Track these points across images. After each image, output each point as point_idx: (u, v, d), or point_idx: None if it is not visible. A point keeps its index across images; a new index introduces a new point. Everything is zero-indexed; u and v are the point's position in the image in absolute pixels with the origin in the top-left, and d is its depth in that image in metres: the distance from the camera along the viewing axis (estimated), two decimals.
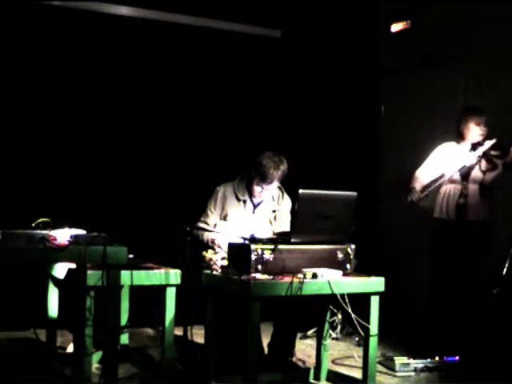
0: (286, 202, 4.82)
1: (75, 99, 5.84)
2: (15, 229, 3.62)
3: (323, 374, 4.58)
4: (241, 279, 3.91)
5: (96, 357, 4.31)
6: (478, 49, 5.88)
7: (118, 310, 3.87)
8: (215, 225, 4.73)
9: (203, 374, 4.24)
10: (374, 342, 4.21)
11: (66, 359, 4.57)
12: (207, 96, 6.30)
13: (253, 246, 3.98)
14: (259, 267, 3.97)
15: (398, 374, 4.76)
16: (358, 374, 4.49)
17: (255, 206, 4.78)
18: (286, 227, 4.59)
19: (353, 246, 4.28)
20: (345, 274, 4.17)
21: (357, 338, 5.55)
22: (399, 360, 4.81)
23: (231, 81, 6.40)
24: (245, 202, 4.75)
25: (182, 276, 4.26)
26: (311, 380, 4.57)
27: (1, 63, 5.53)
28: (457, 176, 5.21)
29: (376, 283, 4.20)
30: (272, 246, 4.03)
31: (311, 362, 4.84)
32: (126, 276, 4.02)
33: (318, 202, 4.14)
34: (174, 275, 4.24)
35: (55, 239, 3.57)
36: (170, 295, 4.23)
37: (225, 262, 4.27)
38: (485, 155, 5.14)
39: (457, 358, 4.91)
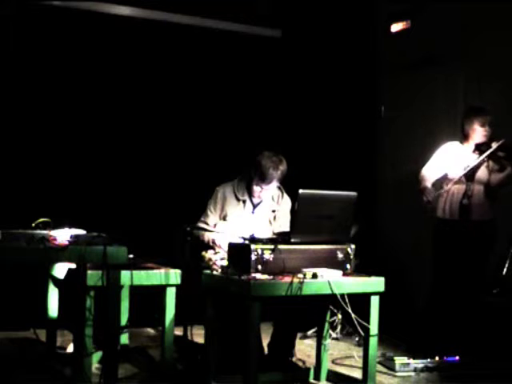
0: (286, 202, 4.82)
1: (75, 99, 5.85)
2: (15, 229, 3.62)
3: (323, 374, 4.58)
4: (241, 279, 3.91)
5: (96, 357, 4.31)
6: (478, 49, 5.88)
7: (118, 310, 3.88)
8: (215, 225, 4.73)
9: (203, 374, 4.24)
10: (373, 342, 4.21)
11: (66, 359, 4.57)
12: (207, 96, 6.30)
13: (253, 246, 3.98)
14: (259, 267, 3.97)
15: (398, 373, 4.76)
16: (358, 374, 4.49)
17: (255, 206, 4.78)
18: (286, 227, 4.59)
19: (353, 246, 4.28)
20: (345, 274, 4.17)
21: (357, 338, 5.55)
22: (399, 360, 4.81)
23: (231, 81, 6.40)
24: (244, 202, 4.75)
25: (182, 276, 4.26)
26: (311, 380, 4.57)
27: (0, 63, 5.53)
28: (462, 176, 5.19)
29: (376, 283, 4.20)
30: (272, 246, 4.03)
31: (311, 362, 4.84)
32: (126, 276, 4.02)
33: (318, 202, 4.14)
34: (174, 275, 4.24)
35: (55, 239, 3.58)
36: (170, 295, 4.23)
37: (224, 262, 4.27)
38: (492, 156, 5.12)
39: (457, 358, 4.91)
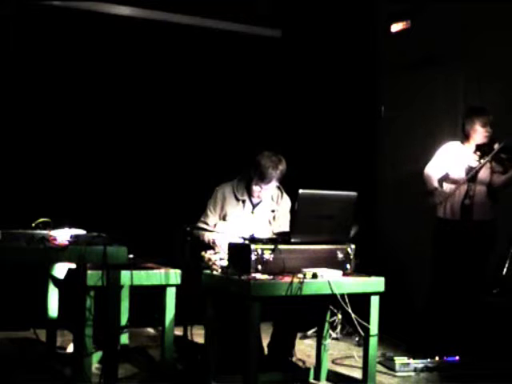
0: (286, 202, 4.82)
1: (75, 99, 5.85)
2: (15, 229, 3.62)
3: (323, 374, 4.58)
4: (241, 279, 3.91)
5: (96, 357, 4.31)
6: (478, 49, 5.88)
7: (118, 310, 3.88)
8: (215, 225, 4.73)
9: (203, 374, 4.24)
10: (373, 341, 4.21)
11: (66, 359, 4.57)
12: (207, 96, 6.30)
13: (253, 246, 3.98)
14: (259, 267, 3.97)
15: (398, 373, 4.76)
16: (358, 374, 4.49)
17: (254, 206, 4.78)
18: (286, 227, 4.60)
19: (353, 246, 4.28)
20: (345, 274, 4.17)
21: (357, 338, 5.55)
22: (399, 360, 4.81)
23: (231, 81, 6.40)
24: (244, 201, 4.75)
25: (182, 276, 4.26)
26: (311, 380, 4.57)
27: (0, 63, 5.53)
28: (463, 176, 5.19)
29: (376, 283, 4.20)
30: (272, 246, 4.03)
31: (311, 362, 4.84)
32: (126, 276, 4.02)
33: (318, 202, 4.14)
34: (174, 275, 4.24)
35: (55, 239, 3.58)
36: (170, 295, 4.23)
37: (223, 262, 4.27)
38: (494, 158, 5.11)
39: (457, 358, 4.91)
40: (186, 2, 6.18)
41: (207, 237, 4.68)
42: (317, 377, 4.57)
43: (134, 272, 4.12)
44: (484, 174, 5.17)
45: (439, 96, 6.28)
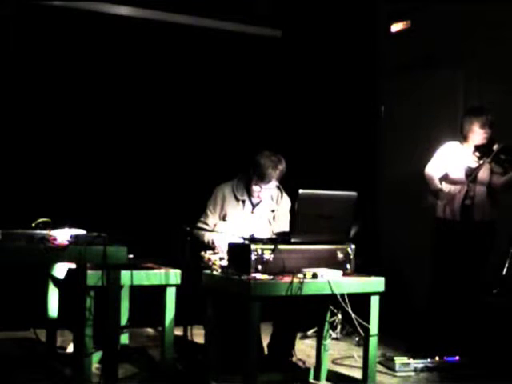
0: (285, 202, 4.82)
1: (75, 99, 5.84)
2: (15, 229, 3.62)
3: (323, 374, 4.58)
4: (241, 279, 3.91)
5: (96, 357, 4.31)
6: (478, 49, 5.88)
7: (118, 310, 3.87)
8: (215, 225, 4.73)
9: (203, 374, 4.24)
10: (373, 341, 4.21)
11: (66, 359, 4.57)
12: (207, 96, 6.30)
13: (253, 246, 3.98)
14: (259, 267, 3.97)
15: (398, 373, 4.76)
16: (358, 374, 4.49)
17: (254, 206, 4.78)
18: (285, 227, 4.60)
19: (353, 246, 4.28)
20: (345, 274, 4.16)
21: (357, 338, 5.54)
22: (399, 360, 4.81)
23: (231, 81, 6.39)
24: (244, 201, 4.75)
25: (182, 276, 4.26)
26: (311, 380, 4.57)
27: (0, 63, 5.53)
28: (462, 177, 5.19)
29: (376, 283, 4.20)
30: (272, 246, 4.03)
31: (311, 362, 4.84)
32: (126, 276, 4.02)
33: (318, 202, 4.14)
34: (174, 275, 4.24)
35: (55, 239, 3.58)
36: (170, 295, 4.23)
37: (223, 262, 4.27)
38: (494, 159, 5.10)
39: (457, 358, 4.91)
40: (186, 2, 6.17)
41: (207, 238, 4.67)
42: (317, 377, 4.57)
43: (134, 272, 4.12)
44: (484, 174, 5.16)
45: (439, 96, 6.28)
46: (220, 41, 6.33)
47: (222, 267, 4.23)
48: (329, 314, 4.59)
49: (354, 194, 4.25)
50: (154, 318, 4.36)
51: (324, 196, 4.19)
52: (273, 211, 4.80)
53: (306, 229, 4.13)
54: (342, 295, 4.01)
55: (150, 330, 5.83)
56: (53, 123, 5.75)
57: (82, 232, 3.79)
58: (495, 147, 5.08)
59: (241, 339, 3.98)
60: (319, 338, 4.61)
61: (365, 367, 4.24)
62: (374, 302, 4.20)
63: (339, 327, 5.76)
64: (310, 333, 5.69)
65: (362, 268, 4.37)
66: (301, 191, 4.05)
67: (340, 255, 4.23)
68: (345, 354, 5.27)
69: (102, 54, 5.93)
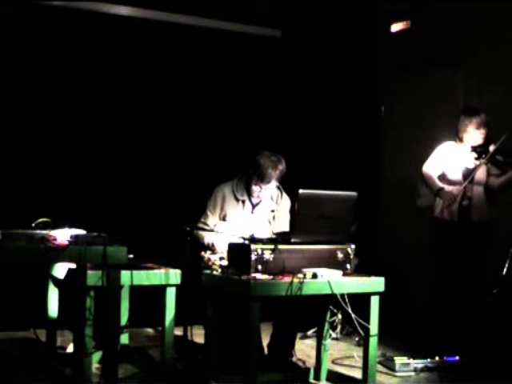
0: (285, 202, 4.82)
1: (75, 99, 5.84)
2: (15, 229, 3.62)
3: (323, 374, 4.58)
4: (241, 279, 3.91)
5: (96, 357, 4.31)
6: (478, 49, 5.88)
7: (118, 310, 3.87)
8: (215, 225, 4.73)
9: (203, 374, 4.24)
10: (373, 341, 4.21)
11: (66, 359, 4.57)
12: (207, 96, 6.30)
13: (253, 246, 3.98)
14: (259, 267, 3.97)
15: (398, 373, 4.75)
16: (358, 374, 4.49)
17: (254, 206, 4.78)
18: (285, 227, 4.60)
19: (353, 246, 4.28)
20: (345, 274, 4.16)
21: (357, 338, 5.54)
22: (399, 360, 4.81)
23: (231, 81, 6.40)
24: (243, 202, 4.75)
25: (182, 276, 4.26)
26: (311, 380, 4.57)
27: (0, 63, 5.53)
28: (459, 177, 5.18)
29: (376, 283, 4.20)
30: (272, 246, 4.03)
31: (311, 362, 4.84)
32: (126, 276, 4.02)
33: (318, 201, 4.14)
34: (174, 275, 4.24)
35: (55, 239, 3.58)
36: (170, 295, 4.23)
37: (223, 262, 4.27)
38: (490, 160, 5.09)
39: (457, 358, 4.91)
40: (186, 2, 6.17)
41: (207, 240, 4.67)
42: (317, 377, 4.57)
43: (134, 272, 4.12)
44: (481, 174, 5.16)
45: (439, 96, 6.28)
46: (220, 41, 6.33)
47: (221, 267, 4.23)
48: (329, 314, 4.59)
49: (353, 194, 4.25)
50: (154, 318, 4.36)
51: (324, 196, 4.19)
52: (273, 211, 4.80)
53: (306, 229, 4.13)
54: (342, 295, 4.01)
55: (149, 330, 5.83)
56: (53, 123, 5.75)
57: (82, 232, 3.79)
58: (491, 148, 5.07)
59: (241, 339, 3.98)
60: (319, 338, 4.61)
61: (365, 367, 4.24)
62: (374, 301, 4.20)
63: (339, 327, 5.76)
64: (309, 333, 5.69)
65: (360, 268, 4.37)
66: (301, 191, 4.05)
67: (340, 255, 4.23)
68: (345, 354, 5.27)
69: (101, 54, 5.93)
